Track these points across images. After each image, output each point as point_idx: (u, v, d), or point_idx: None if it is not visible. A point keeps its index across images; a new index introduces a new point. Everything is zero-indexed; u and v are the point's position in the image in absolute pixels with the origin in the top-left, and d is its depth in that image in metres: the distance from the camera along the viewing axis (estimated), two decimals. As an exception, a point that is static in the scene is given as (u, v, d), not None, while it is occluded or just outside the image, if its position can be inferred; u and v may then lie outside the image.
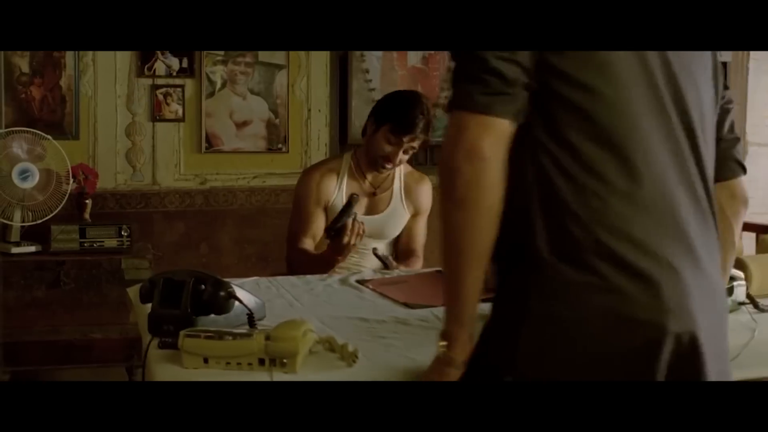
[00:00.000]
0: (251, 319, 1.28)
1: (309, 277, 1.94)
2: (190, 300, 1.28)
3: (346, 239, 2.01)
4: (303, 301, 1.67)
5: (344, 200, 2.21)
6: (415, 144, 2.20)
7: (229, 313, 1.32)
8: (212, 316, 1.31)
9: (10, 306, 3.00)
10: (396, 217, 2.33)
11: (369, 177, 2.31)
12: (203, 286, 1.30)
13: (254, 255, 3.61)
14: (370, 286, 1.81)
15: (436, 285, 1.83)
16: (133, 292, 1.81)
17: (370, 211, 2.30)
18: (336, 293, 1.76)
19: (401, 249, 2.38)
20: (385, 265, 2.14)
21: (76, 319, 3.06)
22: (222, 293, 1.28)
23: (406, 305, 1.63)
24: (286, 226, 3.55)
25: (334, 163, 2.36)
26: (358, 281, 1.88)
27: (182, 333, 1.18)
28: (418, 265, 2.31)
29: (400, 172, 2.35)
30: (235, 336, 1.15)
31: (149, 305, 1.38)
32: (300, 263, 2.22)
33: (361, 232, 2.03)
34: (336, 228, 2.03)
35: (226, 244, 3.59)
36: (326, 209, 2.28)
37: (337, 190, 2.27)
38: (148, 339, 1.32)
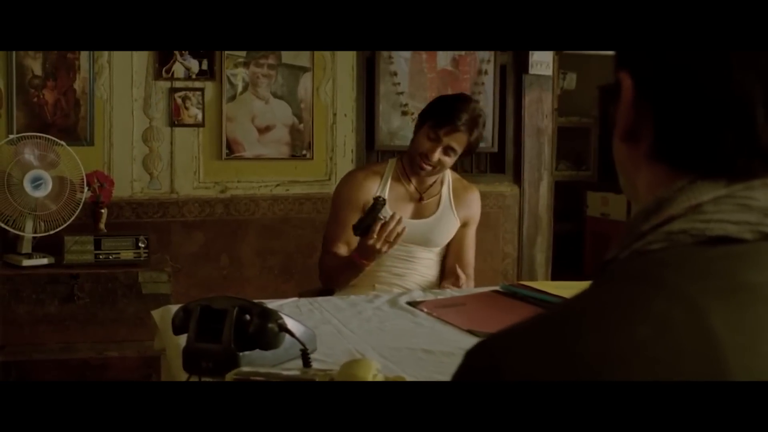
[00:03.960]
0: (306, 357, 1.09)
1: (354, 298, 1.76)
2: (233, 333, 1.09)
3: (370, 242, 1.91)
4: (352, 328, 1.47)
5: (386, 206, 2.12)
6: (456, 143, 2.09)
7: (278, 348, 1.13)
8: (257, 350, 1.13)
9: (21, 322, 2.86)
10: (445, 222, 2.21)
11: (414, 182, 2.21)
12: (248, 317, 1.11)
13: (277, 267, 3.45)
14: (425, 309, 1.62)
15: (499, 307, 1.64)
16: (158, 315, 1.63)
17: (418, 215, 2.21)
18: (388, 318, 1.57)
19: (449, 266, 2.23)
20: (373, 208, 1.95)
21: (90, 335, 2.91)
22: (271, 325, 1.10)
23: (471, 332, 1.43)
24: (310, 236, 3.44)
25: (379, 166, 2.28)
26: (409, 303, 1.68)
27: (229, 376, 0.99)
28: (469, 286, 2.15)
29: (448, 178, 2.26)
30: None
31: (183, 336, 1.19)
32: (329, 267, 2.17)
33: (391, 239, 1.92)
34: (362, 227, 1.94)
35: (248, 256, 3.42)
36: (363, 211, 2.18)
37: (378, 193, 2.17)
38: (183, 378, 1.13)
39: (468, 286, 2.12)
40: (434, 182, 2.22)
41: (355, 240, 2.13)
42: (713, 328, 0.48)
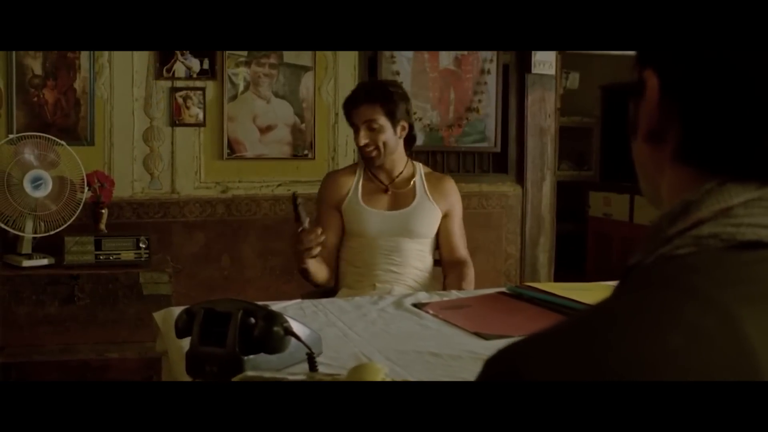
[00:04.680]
0: (312, 361, 1.07)
1: (359, 299, 1.74)
2: (237, 336, 1.07)
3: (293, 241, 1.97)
4: (357, 330, 1.45)
5: (360, 200, 2.22)
6: (370, 115, 2.16)
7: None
8: (262, 354, 1.10)
9: (21, 323, 2.83)
10: (424, 211, 2.24)
11: (381, 176, 2.27)
12: (253, 320, 1.09)
13: (278, 267, 3.42)
14: (431, 311, 1.60)
15: (505, 309, 1.62)
16: (160, 317, 1.61)
17: (394, 206, 2.24)
18: (393, 320, 1.54)
19: (447, 259, 2.27)
20: (297, 216, 1.98)
21: (91, 337, 2.89)
22: (276, 328, 1.07)
23: (478, 335, 1.41)
24: (312, 236, 3.43)
25: (354, 166, 2.36)
26: (414, 305, 1.66)
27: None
28: (470, 273, 2.19)
29: (420, 171, 2.31)
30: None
31: (186, 339, 1.17)
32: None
33: (302, 247, 1.94)
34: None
35: (249, 256, 3.40)
36: (340, 210, 2.26)
37: (352, 189, 2.25)
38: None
39: (470, 273, 2.17)
40: (400, 173, 2.26)
41: (336, 231, 2.25)
42: (747, 336, 0.46)
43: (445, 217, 2.27)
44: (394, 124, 2.18)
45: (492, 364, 0.50)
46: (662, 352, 0.46)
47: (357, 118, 2.17)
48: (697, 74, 0.54)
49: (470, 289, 2.11)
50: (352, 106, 2.19)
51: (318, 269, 2.11)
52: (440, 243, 2.28)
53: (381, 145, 2.17)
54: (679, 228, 0.53)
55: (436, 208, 2.24)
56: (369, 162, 2.21)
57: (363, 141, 2.16)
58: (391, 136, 2.18)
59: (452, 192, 2.30)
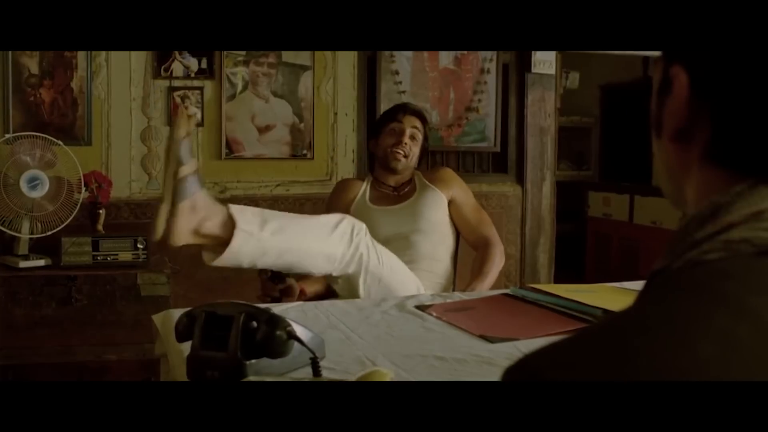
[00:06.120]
0: (316, 366, 1.05)
1: (359, 302, 1.71)
2: (239, 340, 1.05)
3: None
4: (360, 333, 1.43)
5: (367, 201, 2.35)
6: (417, 124, 2.35)
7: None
8: (264, 358, 1.08)
9: (17, 324, 2.81)
10: (427, 197, 2.34)
11: (390, 182, 2.39)
12: (255, 323, 1.06)
13: (277, 268, 3.39)
14: (434, 314, 1.57)
15: (509, 311, 1.60)
16: (159, 319, 1.59)
17: (398, 201, 2.35)
18: (396, 323, 1.52)
19: (472, 244, 2.37)
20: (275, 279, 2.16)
21: (88, 338, 2.87)
22: (279, 332, 1.05)
23: (483, 338, 1.39)
24: (311, 237, 3.41)
25: (364, 175, 2.54)
26: (417, 307, 1.64)
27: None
28: (492, 252, 2.26)
29: (419, 174, 2.42)
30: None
31: (187, 344, 1.14)
32: None
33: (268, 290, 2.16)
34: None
35: (248, 257, 3.36)
36: (349, 211, 2.30)
37: (361, 192, 2.38)
38: (187, 387, 1.08)
39: (497, 255, 2.25)
40: (406, 181, 2.40)
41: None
42: None
43: (452, 204, 2.35)
44: (424, 145, 2.39)
45: (513, 372, 0.48)
46: (695, 362, 0.43)
47: (407, 121, 2.34)
48: (730, 70, 0.51)
49: (496, 268, 2.22)
50: (403, 111, 2.36)
51: (319, 290, 2.20)
52: (460, 231, 2.38)
53: (412, 154, 2.34)
54: (708, 232, 0.51)
55: (438, 193, 2.34)
56: (393, 164, 2.32)
57: (406, 139, 2.31)
58: (418, 153, 2.37)
59: (451, 179, 2.41)
